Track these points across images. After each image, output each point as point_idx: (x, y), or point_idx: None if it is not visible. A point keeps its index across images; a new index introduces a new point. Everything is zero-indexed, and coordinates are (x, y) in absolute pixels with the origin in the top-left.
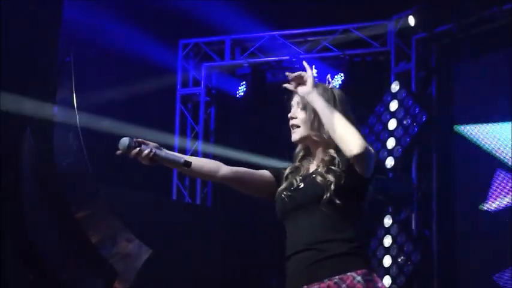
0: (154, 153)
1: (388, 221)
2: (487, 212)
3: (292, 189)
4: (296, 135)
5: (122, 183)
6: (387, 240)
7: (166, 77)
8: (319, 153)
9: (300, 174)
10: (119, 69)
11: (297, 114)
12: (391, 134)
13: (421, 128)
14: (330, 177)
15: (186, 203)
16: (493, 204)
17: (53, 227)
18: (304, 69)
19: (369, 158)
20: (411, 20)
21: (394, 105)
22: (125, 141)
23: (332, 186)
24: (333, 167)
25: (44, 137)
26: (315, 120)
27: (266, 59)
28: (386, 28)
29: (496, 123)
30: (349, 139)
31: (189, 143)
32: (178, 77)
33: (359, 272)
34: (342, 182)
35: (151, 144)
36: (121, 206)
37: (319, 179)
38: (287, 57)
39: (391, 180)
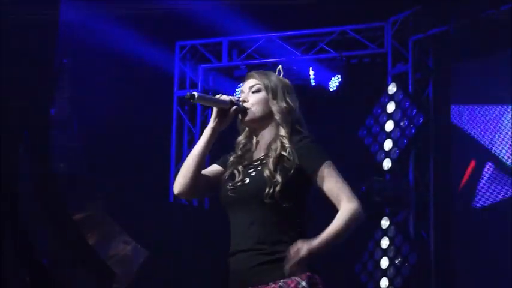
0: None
1: (385, 223)
2: (485, 213)
3: (236, 183)
4: (250, 115)
5: (119, 185)
6: (384, 242)
7: (163, 79)
8: (268, 136)
9: (244, 164)
10: (115, 70)
11: (248, 97)
12: (388, 135)
13: (418, 130)
14: (278, 178)
15: (183, 204)
16: (491, 205)
17: (50, 228)
18: None
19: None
20: (410, 22)
21: (391, 107)
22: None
23: (278, 188)
24: (284, 153)
25: (41, 138)
26: (274, 100)
27: (263, 60)
28: (383, 30)
29: (494, 124)
30: (351, 229)
31: (186, 145)
32: (175, 79)
33: (304, 276)
34: (290, 181)
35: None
36: (118, 208)
37: (266, 173)
38: (284, 59)
39: (388, 182)
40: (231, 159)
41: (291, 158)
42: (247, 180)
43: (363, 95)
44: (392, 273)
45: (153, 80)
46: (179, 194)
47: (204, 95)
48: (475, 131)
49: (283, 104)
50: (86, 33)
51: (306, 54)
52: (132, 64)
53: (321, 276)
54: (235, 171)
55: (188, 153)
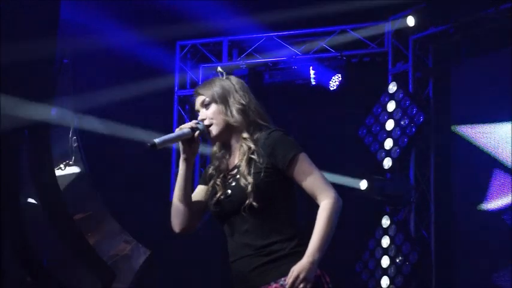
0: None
1: (386, 222)
2: (485, 212)
3: (220, 197)
4: (214, 130)
5: (119, 185)
6: (385, 241)
7: (164, 79)
8: (237, 142)
9: (223, 175)
10: (116, 70)
11: (206, 114)
12: (389, 134)
13: (418, 129)
14: (249, 179)
15: None
16: (491, 204)
17: (51, 228)
18: None
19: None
20: (410, 21)
21: (391, 106)
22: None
23: (253, 189)
24: (252, 156)
25: (42, 138)
26: (226, 109)
27: (263, 60)
28: (383, 29)
29: (494, 124)
30: (335, 223)
31: None
32: (176, 79)
33: None
34: (267, 182)
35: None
36: (118, 208)
37: (243, 182)
38: (284, 58)
39: (389, 181)
40: (210, 171)
41: (260, 158)
42: (229, 191)
43: (363, 94)
44: (393, 272)
45: (154, 80)
46: (181, 232)
47: (163, 138)
48: (476, 130)
49: (235, 107)
50: (86, 33)
51: (306, 54)
52: (133, 64)
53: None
54: (216, 185)
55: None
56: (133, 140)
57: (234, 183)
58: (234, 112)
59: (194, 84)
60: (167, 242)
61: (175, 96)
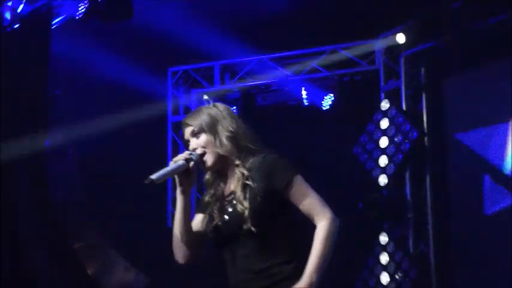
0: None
1: (384, 239)
2: (485, 225)
3: (217, 223)
4: (208, 161)
5: (116, 213)
6: (384, 258)
7: (157, 105)
8: (232, 170)
9: (219, 202)
10: (108, 99)
11: (197, 143)
12: (383, 151)
13: (412, 145)
14: (245, 204)
15: None
16: (489, 209)
17: (49, 258)
18: None
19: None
20: (400, 38)
21: (384, 123)
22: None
23: (250, 214)
24: (247, 182)
25: (37, 170)
26: (216, 138)
27: (255, 82)
28: (373, 47)
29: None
30: (332, 243)
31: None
32: (169, 105)
33: None
34: (264, 206)
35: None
36: (115, 236)
37: (239, 208)
38: (276, 80)
39: (385, 198)
40: (206, 199)
41: (254, 183)
42: (227, 217)
43: (356, 113)
44: None
45: (147, 107)
46: (185, 263)
47: (160, 173)
48: (472, 143)
49: (225, 134)
50: (77, 63)
51: (298, 75)
52: (125, 92)
53: None
54: (213, 212)
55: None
56: (129, 168)
57: (231, 209)
58: (224, 140)
59: (187, 110)
60: (167, 269)
61: (169, 123)
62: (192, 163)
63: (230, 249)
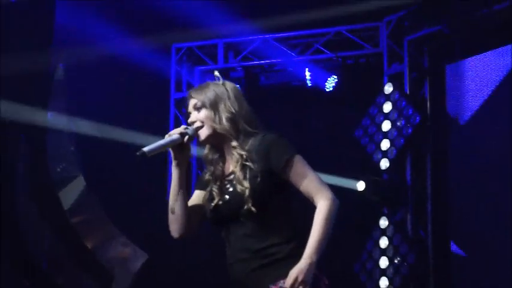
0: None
1: (383, 223)
2: (483, 211)
3: (218, 202)
4: (202, 135)
5: (115, 188)
6: (383, 242)
7: (160, 82)
8: (229, 149)
9: (219, 181)
10: (112, 74)
11: (196, 117)
12: (385, 135)
13: (415, 129)
14: (245, 184)
15: None
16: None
17: (49, 231)
18: None
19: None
20: (405, 21)
21: (387, 107)
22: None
23: (250, 194)
24: (246, 163)
25: (38, 142)
26: (215, 115)
27: (259, 62)
28: (378, 30)
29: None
30: (332, 223)
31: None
32: (172, 82)
33: None
34: (264, 187)
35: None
36: (115, 211)
37: (239, 188)
38: (280, 60)
39: (385, 182)
40: (206, 177)
41: (254, 163)
42: (227, 197)
43: (359, 95)
44: (392, 272)
45: (150, 83)
46: (180, 237)
47: (153, 146)
48: (474, 129)
49: (225, 114)
50: (81, 37)
51: (302, 55)
52: (129, 67)
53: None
54: (213, 191)
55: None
56: (129, 144)
57: (231, 189)
58: (223, 120)
59: (190, 87)
60: (165, 244)
61: (172, 99)
62: (186, 137)
63: (229, 229)
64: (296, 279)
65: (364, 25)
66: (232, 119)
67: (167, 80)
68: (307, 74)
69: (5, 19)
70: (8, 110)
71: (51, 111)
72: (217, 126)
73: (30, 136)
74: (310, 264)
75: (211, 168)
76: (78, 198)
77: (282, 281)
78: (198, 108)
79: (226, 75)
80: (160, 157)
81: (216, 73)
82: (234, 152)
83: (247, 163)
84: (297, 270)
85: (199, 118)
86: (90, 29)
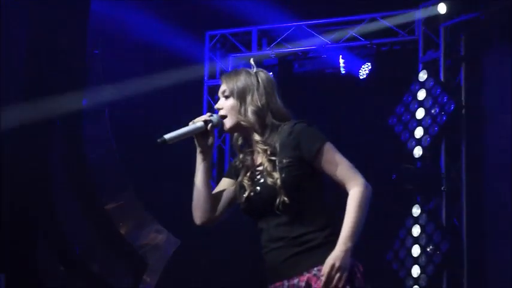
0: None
1: (416, 211)
2: None
3: (249, 194)
4: (226, 124)
5: (150, 175)
6: (416, 230)
7: (194, 68)
8: (254, 141)
9: (250, 171)
10: (146, 61)
11: (222, 105)
12: (419, 123)
13: (449, 117)
14: (275, 175)
15: None
16: None
17: (83, 218)
18: None
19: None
20: (441, 8)
21: (422, 94)
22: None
23: (282, 186)
24: (272, 158)
25: (73, 129)
26: (241, 107)
27: (293, 49)
28: (413, 17)
29: None
30: (366, 210)
31: (216, 134)
32: (206, 69)
33: None
34: (291, 173)
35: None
36: (149, 198)
37: (269, 180)
38: (314, 47)
39: (419, 170)
40: (236, 164)
41: (281, 155)
42: (259, 188)
43: (393, 83)
44: (424, 261)
45: (184, 70)
46: (202, 224)
47: (175, 134)
48: (508, 117)
49: (251, 108)
50: (116, 24)
51: (336, 42)
52: (162, 54)
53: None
54: (244, 182)
55: (219, 141)
56: (164, 131)
57: (262, 180)
58: (249, 112)
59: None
60: (198, 231)
61: (205, 86)
62: (210, 125)
63: (263, 219)
64: (333, 266)
65: (399, 12)
66: (257, 113)
67: (200, 67)
68: (341, 61)
69: (40, 7)
70: (43, 97)
71: (86, 98)
72: (242, 118)
73: (66, 122)
74: (346, 251)
75: (241, 155)
76: (113, 184)
77: (316, 268)
78: (226, 96)
79: (259, 62)
80: (194, 146)
81: (252, 61)
82: (258, 146)
83: (272, 158)
84: (334, 257)
85: (225, 106)
86: (125, 15)
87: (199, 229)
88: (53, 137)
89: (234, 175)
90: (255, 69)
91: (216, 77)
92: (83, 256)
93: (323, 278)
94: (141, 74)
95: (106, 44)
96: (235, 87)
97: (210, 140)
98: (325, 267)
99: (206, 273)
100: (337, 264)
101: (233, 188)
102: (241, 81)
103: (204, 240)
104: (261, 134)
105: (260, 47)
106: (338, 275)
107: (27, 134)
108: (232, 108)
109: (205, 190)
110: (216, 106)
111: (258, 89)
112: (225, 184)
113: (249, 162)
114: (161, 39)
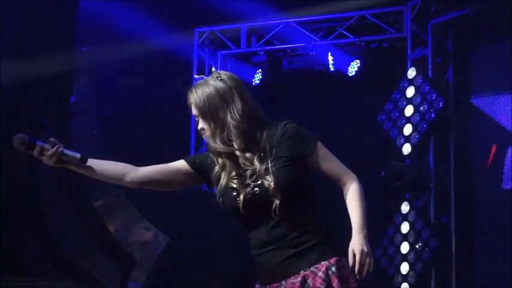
0: (62, 151)
1: (405, 208)
2: (506, 197)
3: (246, 194)
4: (211, 147)
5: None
6: (404, 227)
7: (182, 65)
8: (240, 152)
9: (236, 173)
10: (134, 58)
11: (201, 127)
12: (408, 120)
13: (438, 114)
14: (269, 178)
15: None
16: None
17: (71, 215)
18: None
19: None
20: (429, 5)
21: (410, 92)
22: (19, 137)
23: (276, 187)
24: (265, 160)
25: (61, 126)
26: (217, 127)
27: (282, 46)
28: (402, 14)
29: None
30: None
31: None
32: (194, 65)
33: (332, 260)
34: (286, 176)
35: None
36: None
37: (265, 183)
38: (303, 45)
39: (408, 167)
40: (207, 161)
41: (270, 159)
42: (257, 190)
43: (382, 80)
44: (413, 258)
45: (172, 67)
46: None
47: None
48: (496, 114)
49: (232, 123)
50: (104, 20)
51: (324, 40)
52: (151, 51)
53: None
54: (233, 184)
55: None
56: (152, 126)
57: (259, 182)
58: (231, 127)
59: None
60: (186, 229)
61: (193, 83)
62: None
63: (256, 221)
64: (362, 251)
65: (388, 9)
66: (237, 126)
67: (189, 64)
68: (330, 58)
69: (28, 4)
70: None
71: (74, 95)
72: (223, 135)
73: (54, 119)
74: (365, 237)
75: (220, 160)
76: (101, 182)
77: (312, 267)
78: (201, 119)
79: (248, 59)
80: (182, 141)
81: (213, 69)
82: (246, 155)
83: (265, 160)
84: (358, 245)
85: (203, 129)
86: (113, 12)
87: (189, 228)
88: (41, 135)
89: (198, 167)
90: (215, 73)
91: (205, 74)
92: (71, 254)
93: (356, 265)
94: (129, 70)
95: (94, 40)
96: (207, 113)
97: (53, 162)
98: (357, 255)
99: (194, 273)
100: (365, 250)
101: (183, 175)
102: (210, 102)
103: (191, 237)
104: (241, 149)
105: (249, 43)
106: (368, 259)
107: (12, 132)
108: (213, 133)
109: (106, 177)
110: (199, 127)
111: (232, 100)
112: (182, 168)
113: (231, 167)
114: (150, 36)
